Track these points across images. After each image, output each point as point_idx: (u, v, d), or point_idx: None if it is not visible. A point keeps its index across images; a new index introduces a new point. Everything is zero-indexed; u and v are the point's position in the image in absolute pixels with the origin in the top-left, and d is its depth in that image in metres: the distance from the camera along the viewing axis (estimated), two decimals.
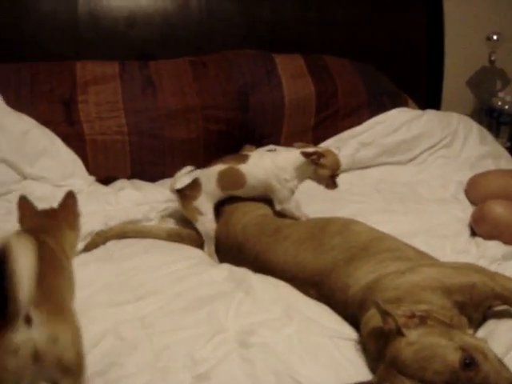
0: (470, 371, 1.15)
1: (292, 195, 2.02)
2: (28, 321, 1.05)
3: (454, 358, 1.17)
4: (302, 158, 1.98)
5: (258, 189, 2.04)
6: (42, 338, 1.06)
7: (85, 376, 1.15)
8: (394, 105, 2.91)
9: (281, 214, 2.02)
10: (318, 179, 2.03)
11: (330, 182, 2.02)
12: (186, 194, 2.04)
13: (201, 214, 2.02)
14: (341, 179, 2.28)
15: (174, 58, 2.72)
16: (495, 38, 3.41)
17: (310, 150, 2.00)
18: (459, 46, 3.46)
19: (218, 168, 2.03)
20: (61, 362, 1.09)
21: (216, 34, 2.90)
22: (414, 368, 1.19)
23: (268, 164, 2.02)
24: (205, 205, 2.02)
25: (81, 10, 2.67)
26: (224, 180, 2.03)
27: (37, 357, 1.06)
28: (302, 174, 2.02)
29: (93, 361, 1.34)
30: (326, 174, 2.00)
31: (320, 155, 1.96)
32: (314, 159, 1.96)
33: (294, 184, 2.02)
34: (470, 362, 1.15)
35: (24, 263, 1.02)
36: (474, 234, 2.08)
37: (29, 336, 1.05)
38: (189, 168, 2.04)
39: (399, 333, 1.25)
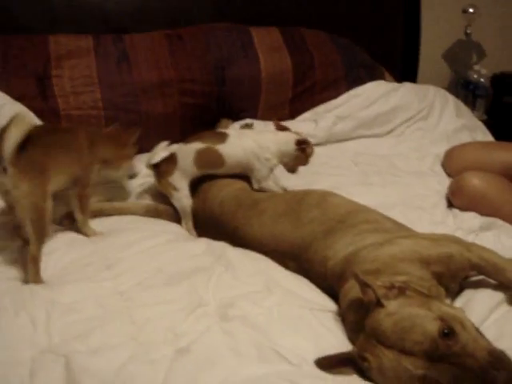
0: (448, 340, 1.16)
1: (270, 174, 2.03)
2: (4, 170, 1.55)
3: (433, 327, 1.18)
4: (289, 143, 2.02)
5: (236, 169, 2.04)
6: (9, 182, 1.56)
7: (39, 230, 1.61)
8: (371, 78, 2.91)
9: (257, 190, 2.03)
10: (294, 163, 2.09)
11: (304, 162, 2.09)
12: (162, 170, 2.02)
13: (175, 189, 2.01)
14: (318, 153, 2.30)
15: (149, 32, 2.68)
16: (471, 10, 3.42)
17: (299, 136, 2.05)
18: (435, 18, 3.46)
19: (195, 146, 2.01)
20: (20, 202, 1.59)
21: (191, 6, 2.86)
22: (393, 338, 1.20)
23: (249, 143, 2.02)
24: (180, 181, 2.01)
25: None
26: (201, 160, 2.01)
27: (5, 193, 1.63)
28: (282, 156, 2.05)
29: (74, 323, 1.38)
30: (305, 161, 2.07)
31: (307, 143, 2.03)
32: (303, 148, 2.02)
33: (273, 163, 2.04)
34: (448, 331, 1.17)
35: (11, 134, 1.52)
36: (451, 205, 2.10)
37: (1, 179, 1.57)
38: (165, 143, 2.03)
39: (378, 304, 1.26)
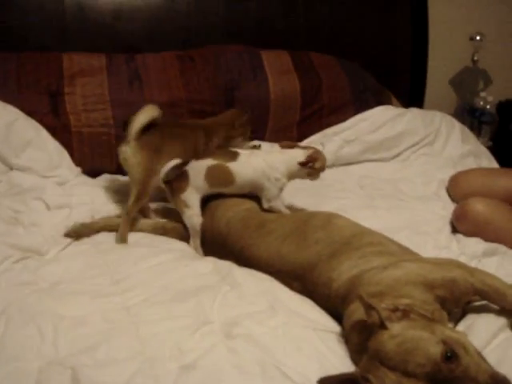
0: (451, 364, 1.17)
1: (280, 193, 2.05)
2: (128, 142, 2.04)
3: (436, 350, 1.19)
4: (293, 160, 2.03)
5: (245, 188, 2.05)
6: (129, 151, 2.05)
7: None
8: (378, 102, 2.94)
9: (266, 209, 2.04)
10: (306, 177, 2.08)
11: (316, 177, 2.08)
12: (174, 187, 2.04)
13: (187, 206, 2.02)
14: (325, 175, 2.32)
15: (161, 52, 2.72)
16: (478, 38, 3.46)
17: (305, 154, 2.04)
18: (443, 45, 3.49)
19: (207, 163, 2.03)
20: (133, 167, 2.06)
21: (203, 28, 2.92)
22: (396, 360, 1.21)
23: (259, 163, 2.03)
24: (192, 198, 2.02)
25: (67, 1, 2.67)
26: (212, 176, 2.02)
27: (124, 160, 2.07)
28: (292, 175, 2.06)
29: (81, 337, 1.40)
30: (317, 176, 2.07)
31: (314, 160, 2.02)
32: (310, 166, 2.02)
33: (283, 182, 2.04)
34: (451, 354, 1.18)
35: (139, 117, 2.04)
36: (455, 230, 2.11)
37: (124, 148, 2.05)
38: (175, 161, 2.05)
39: (382, 326, 1.27)
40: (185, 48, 2.79)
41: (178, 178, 2.04)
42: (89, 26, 2.73)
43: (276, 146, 2.31)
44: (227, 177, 2.02)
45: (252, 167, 2.02)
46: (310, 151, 2.07)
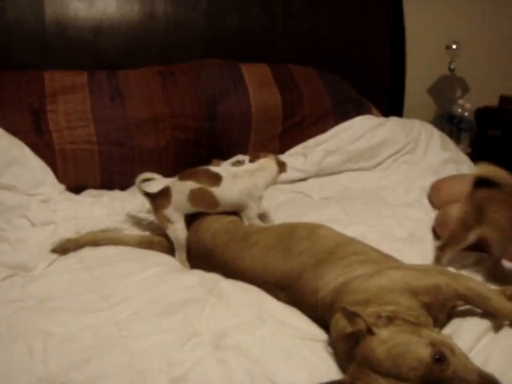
0: (441, 365, 1.19)
1: (259, 209, 2.10)
2: None
3: (426, 353, 1.21)
4: (272, 171, 2.11)
5: (228, 208, 2.08)
6: None
7: None
8: (358, 112, 2.97)
9: None
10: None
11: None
12: (157, 203, 2.06)
13: (170, 222, 2.04)
14: (308, 186, 2.35)
15: (141, 68, 2.74)
16: (454, 46, 3.52)
17: (274, 160, 2.15)
18: (420, 55, 3.56)
19: (189, 185, 2.03)
20: None
21: (182, 43, 2.94)
22: (388, 365, 1.22)
23: (245, 185, 2.06)
24: (174, 214, 2.04)
25: (48, 19, 2.68)
26: (196, 199, 2.04)
27: None
28: (268, 185, 2.13)
29: (70, 353, 1.40)
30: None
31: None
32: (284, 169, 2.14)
33: (261, 199, 2.10)
34: (439, 356, 1.20)
35: None
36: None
37: None
38: (147, 175, 2.07)
39: (369, 332, 1.28)
40: (165, 63, 2.81)
41: (160, 195, 2.06)
42: (69, 44, 2.75)
43: (246, 162, 2.36)
44: (211, 201, 2.04)
45: (237, 191, 2.04)
46: (272, 155, 2.18)
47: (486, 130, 3.67)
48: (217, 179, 2.05)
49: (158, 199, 2.05)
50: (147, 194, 2.07)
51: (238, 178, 2.07)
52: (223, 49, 3.00)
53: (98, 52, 2.80)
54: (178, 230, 2.03)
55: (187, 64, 2.81)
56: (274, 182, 2.15)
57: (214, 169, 2.13)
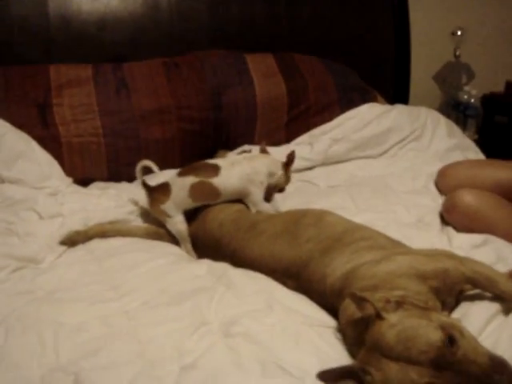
0: (451, 348, 1.19)
1: (263, 195, 2.10)
2: None
3: (437, 336, 1.21)
4: (277, 164, 2.18)
5: (232, 196, 2.09)
6: None
7: None
8: (364, 100, 2.96)
9: None
10: (275, 184, 2.23)
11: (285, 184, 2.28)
12: (155, 197, 2.06)
13: (169, 216, 2.05)
14: (314, 174, 2.35)
15: (146, 60, 2.74)
16: (459, 33, 3.51)
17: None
18: (425, 41, 3.54)
19: (189, 180, 2.05)
20: None
21: (186, 34, 2.93)
22: (398, 349, 1.22)
23: (243, 170, 2.07)
24: (173, 209, 2.05)
25: (52, 13, 2.68)
26: (197, 193, 2.05)
27: None
28: (269, 177, 2.15)
29: (81, 343, 1.41)
30: (287, 183, 2.26)
31: (293, 160, 2.23)
32: (288, 167, 2.20)
33: (265, 185, 2.11)
34: (449, 339, 1.20)
35: None
36: (444, 222, 2.12)
37: None
38: (145, 162, 2.08)
39: (379, 316, 1.28)
40: (170, 55, 2.81)
41: (158, 189, 2.06)
42: (74, 38, 2.74)
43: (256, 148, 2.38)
44: (212, 192, 2.05)
45: (236, 177, 2.06)
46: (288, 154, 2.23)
47: (492, 117, 3.66)
48: (215, 170, 2.06)
49: (156, 193, 2.06)
50: (146, 186, 2.07)
51: (236, 165, 2.09)
52: (227, 39, 2.99)
53: (103, 45, 2.80)
54: (178, 223, 2.04)
55: (192, 55, 2.80)
56: (274, 179, 2.17)
57: (211, 161, 2.14)
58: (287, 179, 2.26)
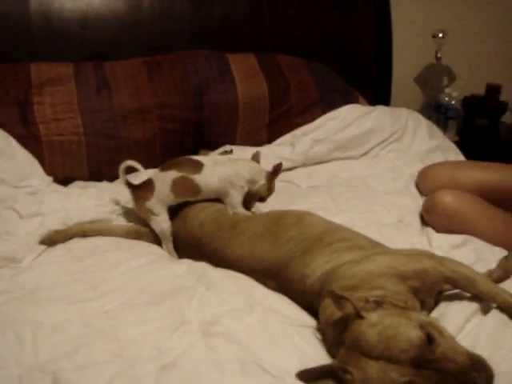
0: (430, 346, 1.20)
1: (242, 199, 2.11)
2: None
3: (416, 335, 1.21)
4: (261, 173, 2.18)
5: (212, 195, 2.10)
6: None
7: None
8: (345, 101, 2.97)
9: None
10: (258, 192, 2.22)
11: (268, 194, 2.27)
12: (139, 195, 2.06)
13: (154, 214, 2.04)
14: (295, 175, 2.35)
15: (128, 59, 2.73)
16: (441, 35, 3.52)
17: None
18: (406, 44, 3.55)
19: (172, 175, 2.05)
20: None
21: (169, 33, 2.92)
22: (379, 348, 1.22)
23: (225, 172, 2.08)
24: (157, 206, 2.04)
25: (33, 11, 2.66)
26: (178, 188, 2.05)
27: None
28: (251, 184, 2.16)
29: (60, 342, 1.41)
30: (269, 193, 2.25)
31: (279, 171, 2.23)
32: (272, 178, 2.21)
33: (245, 190, 2.12)
34: (429, 338, 1.21)
35: None
36: (424, 223, 2.14)
37: None
38: (129, 162, 2.07)
39: (358, 316, 1.29)
40: (152, 54, 2.80)
41: (142, 187, 2.06)
42: (55, 36, 2.72)
43: (248, 150, 2.37)
44: (193, 188, 2.06)
45: (218, 177, 2.06)
46: (275, 164, 2.21)
47: (473, 119, 3.68)
48: (198, 167, 2.07)
49: (140, 191, 2.06)
50: (130, 185, 2.07)
51: (219, 166, 2.10)
52: (210, 39, 2.99)
53: (84, 44, 2.78)
54: (162, 222, 2.03)
55: (173, 54, 2.80)
56: (256, 187, 2.18)
57: (196, 157, 2.14)
58: (270, 189, 2.25)
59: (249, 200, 2.19)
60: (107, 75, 2.60)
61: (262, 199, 2.28)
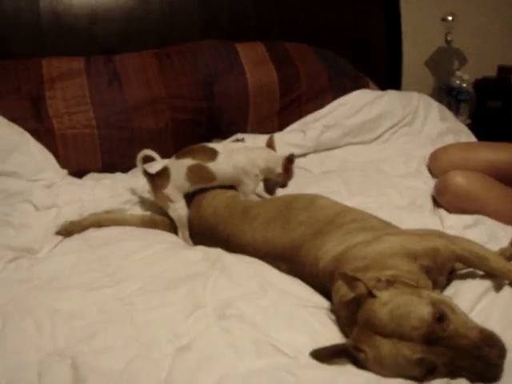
0: (442, 323, 1.21)
1: (256, 188, 2.14)
2: None
3: (428, 312, 1.23)
4: (278, 161, 2.20)
5: (226, 182, 2.13)
6: None
7: None
8: (355, 87, 2.97)
9: None
10: (275, 181, 2.26)
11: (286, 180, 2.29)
12: (156, 183, 2.09)
13: (171, 201, 2.07)
14: (307, 160, 2.35)
15: (138, 51, 2.74)
16: (450, 18, 3.51)
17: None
18: (416, 27, 3.54)
19: (187, 162, 2.08)
20: None
21: (177, 25, 2.93)
22: (391, 326, 1.24)
23: (240, 160, 2.10)
24: (174, 193, 2.07)
25: (43, 8, 2.68)
26: (193, 175, 2.08)
27: None
28: (268, 173, 2.19)
29: (78, 328, 1.43)
30: (288, 179, 2.29)
31: (292, 161, 2.25)
32: (289, 167, 2.23)
33: (260, 179, 2.15)
34: (440, 315, 1.22)
35: None
36: (436, 204, 2.14)
37: None
38: (146, 151, 2.10)
39: (370, 295, 1.30)
40: (161, 46, 2.81)
41: (159, 175, 2.09)
42: (65, 32, 2.74)
43: (261, 138, 2.38)
44: (208, 175, 2.09)
45: (232, 165, 2.09)
46: (289, 154, 2.23)
47: (485, 101, 3.67)
48: (213, 154, 2.10)
49: (158, 179, 2.09)
50: (147, 174, 2.09)
51: (234, 154, 2.12)
52: (218, 29, 3.00)
53: (94, 38, 2.80)
54: (179, 209, 2.06)
55: (183, 45, 2.81)
56: (273, 175, 2.21)
57: (210, 145, 2.17)
58: (289, 175, 2.28)
59: (269, 188, 2.22)
60: (118, 68, 2.62)
61: (284, 185, 2.31)
